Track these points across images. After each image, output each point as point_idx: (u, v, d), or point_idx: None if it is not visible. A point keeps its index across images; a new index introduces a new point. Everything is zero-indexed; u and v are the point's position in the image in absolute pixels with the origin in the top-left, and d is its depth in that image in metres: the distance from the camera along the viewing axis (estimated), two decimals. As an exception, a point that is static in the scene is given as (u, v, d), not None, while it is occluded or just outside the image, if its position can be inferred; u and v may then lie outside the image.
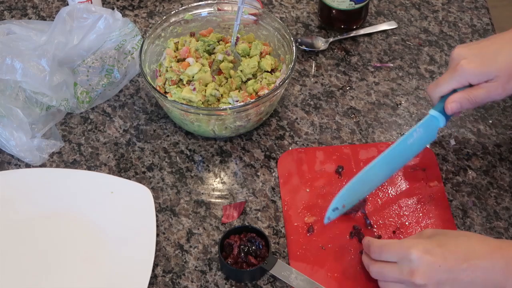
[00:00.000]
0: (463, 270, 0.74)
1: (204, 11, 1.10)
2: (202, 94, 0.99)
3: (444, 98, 0.90)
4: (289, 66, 1.01)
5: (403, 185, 0.96)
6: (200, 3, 1.10)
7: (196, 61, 1.04)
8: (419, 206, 0.93)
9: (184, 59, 1.05)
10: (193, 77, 1.02)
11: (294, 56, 1.01)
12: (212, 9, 1.10)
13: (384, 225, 0.92)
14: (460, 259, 0.74)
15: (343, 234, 0.91)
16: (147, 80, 0.99)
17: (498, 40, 0.89)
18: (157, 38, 1.07)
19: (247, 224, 0.92)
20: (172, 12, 1.08)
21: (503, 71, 0.85)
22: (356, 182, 0.89)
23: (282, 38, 1.06)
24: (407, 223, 0.91)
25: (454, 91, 0.89)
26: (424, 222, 0.92)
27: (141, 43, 1.05)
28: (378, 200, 0.94)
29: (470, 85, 0.88)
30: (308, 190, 0.95)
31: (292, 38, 1.04)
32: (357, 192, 0.91)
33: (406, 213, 0.93)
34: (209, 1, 1.10)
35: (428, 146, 1.00)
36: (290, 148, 1.02)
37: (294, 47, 1.02)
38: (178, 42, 1.08)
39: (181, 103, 0.97)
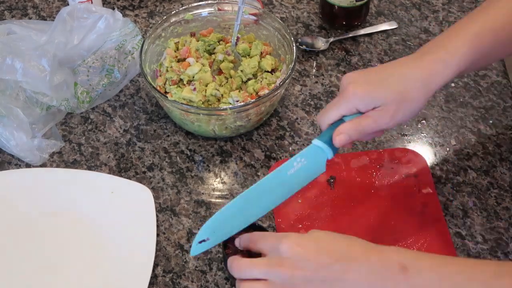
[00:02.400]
0: (335, 271, 0.69)
1: (204, 11, 1.10)
2: (202, 94, 0.99)
3: (332, 126, 0.82)
4: (290, 66, 1.01)
5: (395, 192, 0.95)
6: (201, 3, 1.10)
7: (197, 61, 1.04)
8: (412, 213, 0.92)
9: (184, 59, 1.05)
10: (193, 77, 1.02)
11: (294, 56, 1.01)
12: (212, 9, 1.10)
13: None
14: (334, 258, 0.69)
15: None
16: (148, 80, 0.99)
17: (389, 67, 0.84)
18: (158, 38, 1.07)
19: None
20: (173, 12, 1.08)
21: (390, 98, 0.79)
22: (225, 212, 0.79)
23: (283, 38, 1.06)
24: (400, 231, 0.90)
25: (342, 120, 0.82)
26: (418, 229, 0.90)
27: (141, 43, 1.05)
28: (370, 206, 0.93)
29: (359, 112, 0.81)
30: (300, 201, 0.94)
31: (292, 38, 1.04)
32: (227, 224, 0.80)
33: (400, 221, 0.91)
34: (209, 1, 1.10)
35: (418, 152, 0.99)
36: (290, 149, 1.02)
37: (294, 47, 1.02)
38: (179, 42, 1.08)
39: (182, 103, 0.97)
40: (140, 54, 1.02)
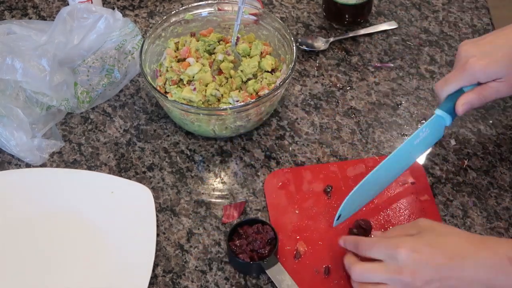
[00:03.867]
0: (451, 269, 0.74)
1: (204, 11, 1.10)
2: (202, 94, 0.99)
3: (450, 96, 0.89)
4: (290, 66, 1.01)
5: (393, 200, 0.94)
6: (201, 3, 1.10)
7: (197, 61, 1.04)
8: (411, 221, 0.91)
9: (184, 59, 1.05)
10: (193, 77, 1.02)
11: (294, 56, 1.01)
12: (212, 9, 1.10)
13: None
14: (447, 258, 0.75)
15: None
16: (148, 80, 0.99)
17: (504, 37, 0.89)
18: (158, 38, 1.07)
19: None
20: (173, 12, 1.08)
21: (511, 69, 0.86)
22: (364, 184, 0.88)
23: (283, 38, 1.06)
24: None
25: (461, 90, 0.89)
26: None
27: (141, 43, 1.05)
28: (367, 216, 0.92)
29: (478, 83, 0.88)
30: (297, 211, 0.93)
31: (292, 38, 1.04)
32: (363, 196, 0.91)
33: None
34: (209, 1, 1.10)
35: (419, 162, 0.99)
36: (290, 149, 1.02)
37: (294, 47, 1.02)
38: (179, 42, 1.08)
39: (182, 103, 0.97)
40: (140, 54, 1.02)
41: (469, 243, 0.77)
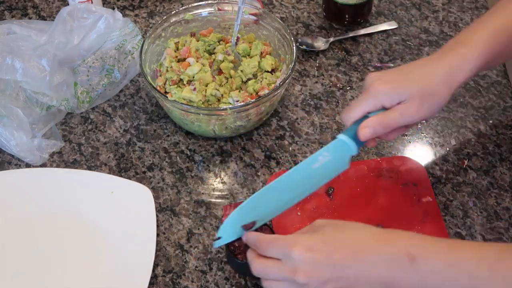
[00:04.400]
0: (348, 267, 0.71)
1: (204, 11, 1.10)
2: (202, 94, 0.99)
3: (357, 123, 0.83)
4: (290, 66, 1.01)
5: (395, 202, 0.94)
6: (201, 3, 1.10)
7: (197, 61, 1.04)
8: (413, 222, 0.91)
9: (184, 59, 1.05)
10: (193, 77, 1.02)
11: (294, 56, 1.01)
12: (212, 9, 1.10)
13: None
14: (345, 255, 0.71)
15: None
16: (148, 80, 0.99)
17: (411, 66, 0.88)
18: (158, 38, 1.07)
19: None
20: (173, 12, 1.08)
21: (415, 92, 0.82)
22: (245, 206, 0.81)
23: (283, 38, 1.06)
24: None
25: (367, 116, 0.83)
26: None
27: (141, 43, 1.05)
28: (370, 217, 0.91)
29: (384, 109, 0.83)
30: (299, 213, 0.93)
31: (292, 38, 1.04)
32: (247, 218, 0.81)
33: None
34: (209, 1, 1.10)
35: (417, 160, 0.99)
36: (290, 149, 1.02)
37: (294, 47, 1.02)
38: (179, 42, 1.08)
39: (182, 103, 0.97)
40: (140, 54, 1.02)
41: (371, 239, 0.72)
